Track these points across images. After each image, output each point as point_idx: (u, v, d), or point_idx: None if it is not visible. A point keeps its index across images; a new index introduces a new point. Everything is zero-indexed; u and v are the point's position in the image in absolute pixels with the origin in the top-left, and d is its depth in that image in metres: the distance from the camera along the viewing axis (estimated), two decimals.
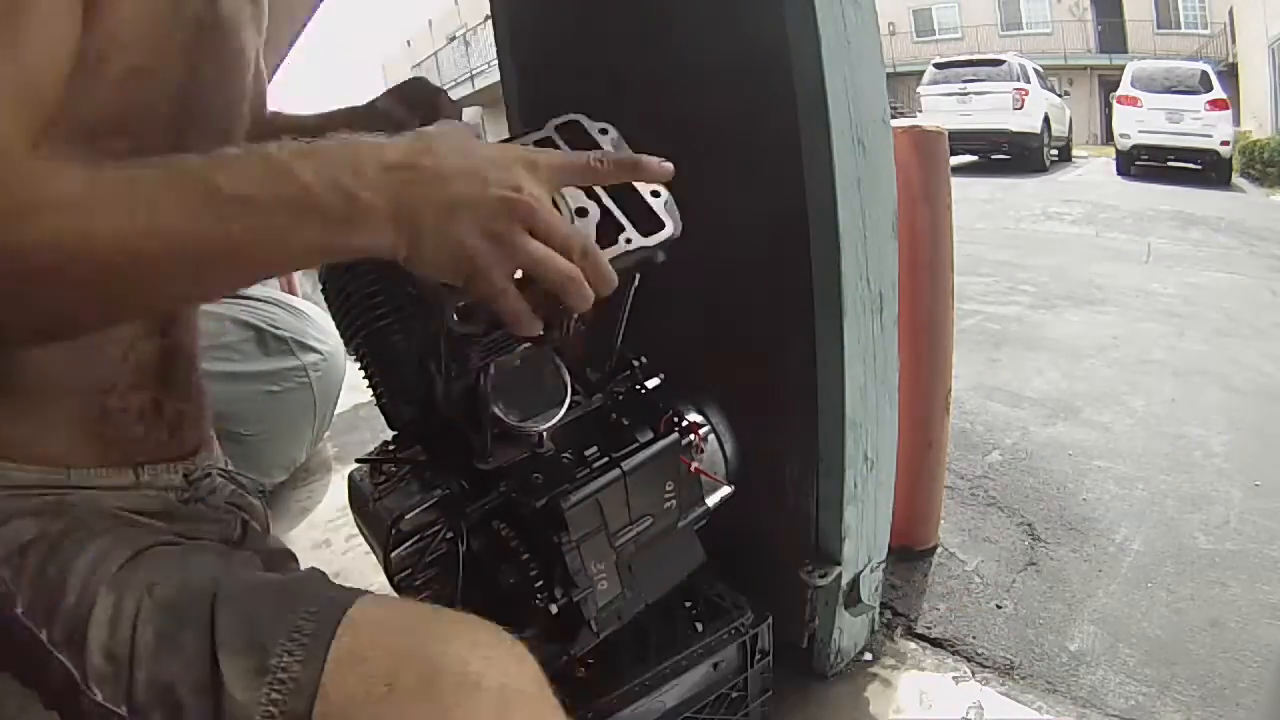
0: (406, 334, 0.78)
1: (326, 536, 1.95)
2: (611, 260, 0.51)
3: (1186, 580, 1.62)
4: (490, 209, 0.46)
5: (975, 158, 10.64)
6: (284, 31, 2.40)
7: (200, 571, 0.53)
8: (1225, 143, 9.50)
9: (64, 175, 0.41)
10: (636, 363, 0.86)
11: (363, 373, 0.88)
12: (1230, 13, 14.89)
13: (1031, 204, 7.57)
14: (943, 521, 1.77)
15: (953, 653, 1.42)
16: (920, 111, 10.93)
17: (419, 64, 21.12)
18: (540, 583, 0.76)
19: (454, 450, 0.76)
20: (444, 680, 0.48)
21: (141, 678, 0.48)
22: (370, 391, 0.88)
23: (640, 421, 0.84)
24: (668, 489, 0.84)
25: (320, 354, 2.03)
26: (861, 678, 1.34)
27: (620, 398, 0.86)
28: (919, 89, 11.15)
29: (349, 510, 0.90)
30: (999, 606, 1.55)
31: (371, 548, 0.87)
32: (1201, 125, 9.42)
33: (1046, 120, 10.57)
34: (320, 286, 0.86)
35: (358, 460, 0.87)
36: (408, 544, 0.75)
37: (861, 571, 1.28)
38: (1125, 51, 16.85)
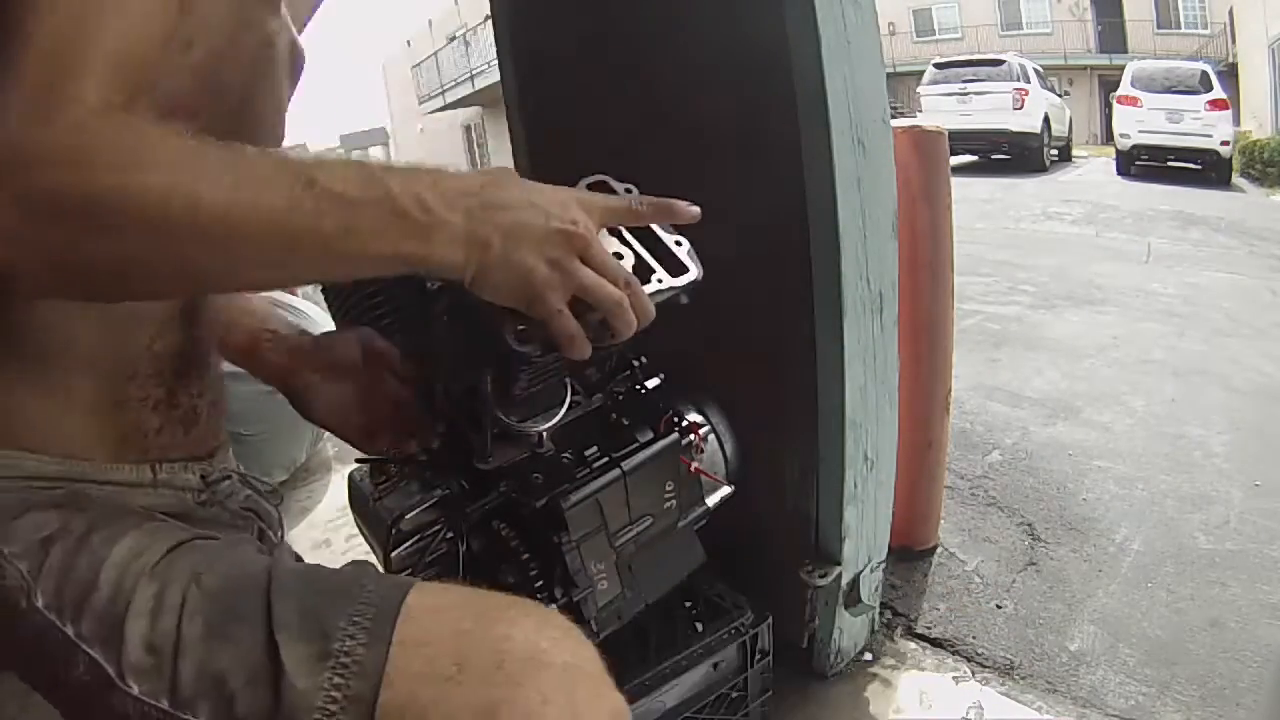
0: (406, 334, 0.78)
1: (326, 536, 1.96)
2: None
3: (1186, 580, 1.62)
4: (551, 238, 0.51)
5: (975, 158, 10.64)
6: None
7: (249, 561, 0.54)
8: (1225, 143, 9.50)
9: (172, 138, 0.43)
10: (636, 363, 0.86)
11: None
12: (1230, 13, 14.90)
13: (1031, 204, 7.57)
14: (943, 521, 1.77)
15: (953, 653, 1.42)
16: (920, 111, 10.92)
17: (419, 64, 21.09)
18: (540, 583, 0.75)
19: (454, 450, 0.76)
20: (513, 658, 0.49)
21: (187, 669, 0.47)
22: None
23: (640, 421, 0.84)
24: (668, 489, 0.84)
25: None
26: (861, 678, 1.35)
27: (620, 398, 0.85)
28: (919, 89, 11.15)
29: (349, 510, 0.91)
30: (999, 606, 1.55)
31: (371, 548, 0.87)
32: (1201, 125, 9.41)
33: (1046, 120, 10.57)
34: (320, 286, 0.86)
35: (357, 460, 0.87)
36: (408, 544, 0.75)
37: (861, 571, 1.28)
38: (1125, 51, 16.85)
